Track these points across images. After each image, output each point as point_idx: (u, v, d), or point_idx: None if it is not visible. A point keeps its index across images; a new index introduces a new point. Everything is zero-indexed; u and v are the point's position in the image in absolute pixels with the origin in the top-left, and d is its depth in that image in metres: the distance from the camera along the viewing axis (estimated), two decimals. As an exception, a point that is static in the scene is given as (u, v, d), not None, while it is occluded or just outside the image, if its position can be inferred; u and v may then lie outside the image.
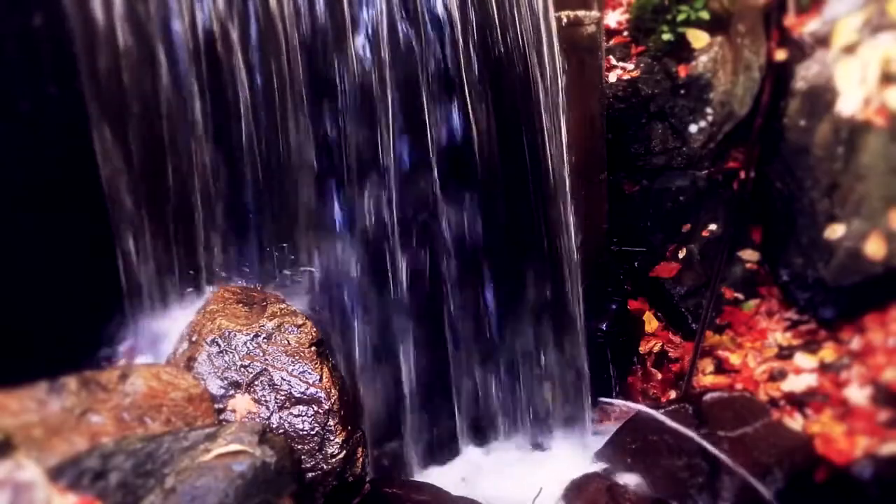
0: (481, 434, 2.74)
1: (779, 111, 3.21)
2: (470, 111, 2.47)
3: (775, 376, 2.90)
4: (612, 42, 3.36)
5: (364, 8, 2.25)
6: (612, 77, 3.30)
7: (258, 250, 2.27)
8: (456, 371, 2.63)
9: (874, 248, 2.86)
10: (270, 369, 1.95)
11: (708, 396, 2.74)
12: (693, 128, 3.26)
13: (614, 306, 3.19)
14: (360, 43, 2.27)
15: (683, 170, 3.30)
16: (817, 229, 3.00)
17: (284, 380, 1.94)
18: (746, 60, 3.32)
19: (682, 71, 3.24)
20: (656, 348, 3.19)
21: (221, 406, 1.90)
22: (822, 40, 3.14)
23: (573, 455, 2.72)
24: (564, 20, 2.78)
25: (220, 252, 2.21)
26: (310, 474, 1.85)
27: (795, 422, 2.72)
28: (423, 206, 2.48)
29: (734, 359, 3.03)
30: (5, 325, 1.80)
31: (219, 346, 1.97)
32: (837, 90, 2.98)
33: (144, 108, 2.02)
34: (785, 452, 2.52)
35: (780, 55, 3.32)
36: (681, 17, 3.20)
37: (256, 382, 1.94)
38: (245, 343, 1.99)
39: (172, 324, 2.08)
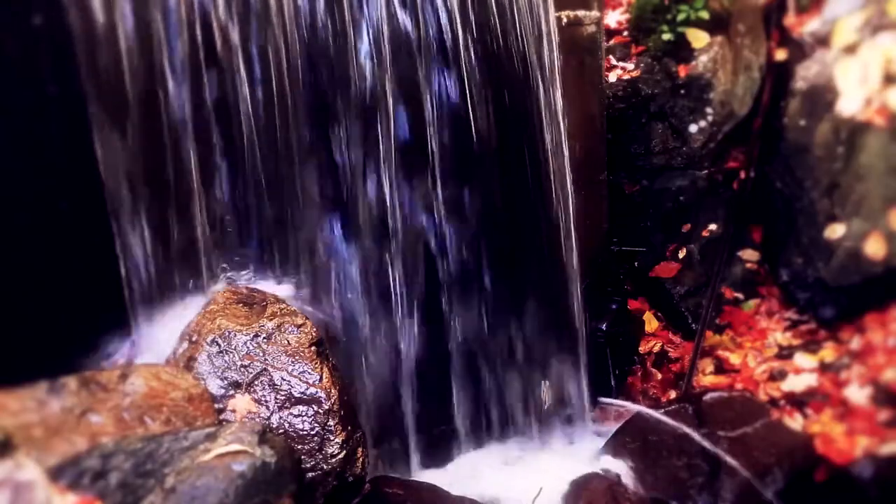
0: (481, 434, 2.74)
1: (779, 111, 3.21)
2: (470, 111, 2.47)
3: (775, 376, 2.90)
4: (612, 42, 3.37)
5: (364, 8, 2.25)
6: (612, 77, 3.30)
7: (259, 250, 2.27)
8: (456, 371, 2.63)
9: (874, 248, 2.86)
10: (270, 369, 1.95)
11: (708, 396, 2.74)
12: (693, 128, 3.26)
13: (614, 306, 3.18)
14: (360, 43, 2.27)
15: (683, 170, 3.30)
16: (817, 229, 3.00)
17: (284, 380, 1.94)
18: (746, 60, 3.32)
19: (682, 71, 3.24)
20: (656, 348, 3.19)
21: (221, 406, 1.90)
22: (822, 40, 3.14)
23: (573, 455, 2.72)
24: (564, 20, 2.77)
25: (221, 252, 2.21)
26: (310, 474, 1.85)
27: (795, 422, 2.72)
28: (422, 206, 2.48)
29: (734, 359, 3.03)
30: (5, 325, 1.80)
31: (219, 345, 1.97)
32: (838, 90, 2.99)
33: (145, 107, 2.02)
34: (785, 452, 2.52)
35: (780, 55, 3.32)
36: (681, 17, 3.20)
37: (256, 382, 1.94)
38: (245, 343, 1.99)
39: (172, 324, 2.08)
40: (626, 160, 3.30)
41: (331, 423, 1.91)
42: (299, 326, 2.04)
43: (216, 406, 1.89)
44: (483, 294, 2.64)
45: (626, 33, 3.38)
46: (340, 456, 1.90)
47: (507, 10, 2.48)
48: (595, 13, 2.96)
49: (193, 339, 2.00)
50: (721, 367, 3.03)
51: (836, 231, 2.95)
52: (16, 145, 1.84)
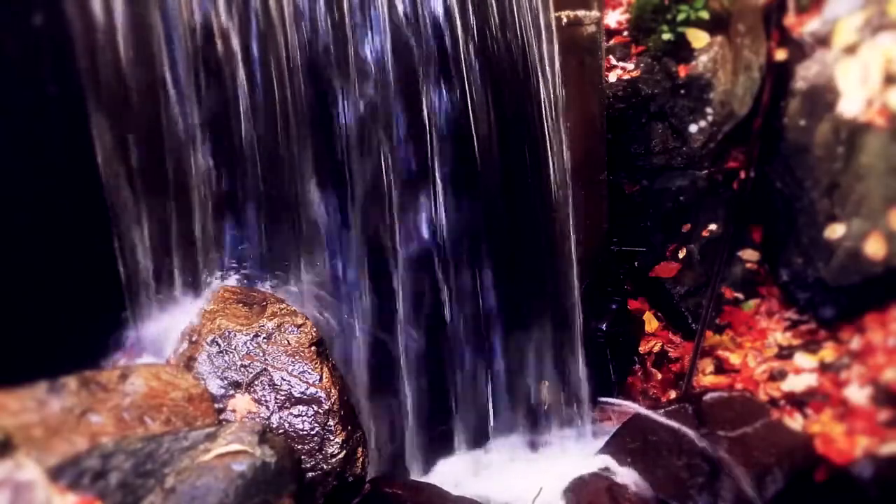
0: (481, 434, 2.74)
1: (779, 111, 3.21)
2: (470, 112, 2.47)
3: (775, 376, 2.90)
4: (612, 42, 3.37)
5: (364, 9, 2.25)
6: (612, 77, 3.30)
7: (258, 250, 2.27)
8: (456, 371, 2.63)
9: (874, 247, 2.86)
10: (270, 369, 1.95)
11: (708, 396, 2.74)
12: (693, 128, 3.26)
13: (614, 306, 3.18)
14: (360, 44, 2.28)
15: (683, 170, 3.30)
16: (817, 229, 3.00)
17: (284, 380, 1.94)
18: (746, 60, 3.32)
19: (682, 71, 3.24)
20: (656, 348, 3.19)
21: (221, 406, 1.90)
22: (823, 40, 3.14)
23: (573, 455, 2.72)
24: (564, 20, 2.77)
25: (221, 252, 2.21)
26: (310, 474, 1.85)
27: (795, 422, 2.72)
28: (423, 206, 2.48)
29: (734, 359, 3.03)
30: (5, 325, 1.80)
31: (219, 345, 1.98)
32: (838, 90, 2.99)
33: (144, 107, 2.02)
34: (785, 452, 2.52)
35: (780, 55, 3.32)
36: (681, 17, 3.20)
37: (256, 382, 1.94)
38: (245, 343, 1.99)
39: (172, 324, 2.08)
40: (626, 160, 3.30)
41: (331, 423, 1.91)
42: (299, 326, 2.04)
43: (216, 406, 1.89)
44: (483, 293, 2.64)
45: (626, 33, 3.38)
46: (340, 456, 1.90)
47: (506, 11, 2.48)
48: (595, 13, 2.96)
49: (193, 339, 2.00)
50: (721, 367, 3.03)
51: (836, 231, 2.95)
52: (16, 145, 1.84)
